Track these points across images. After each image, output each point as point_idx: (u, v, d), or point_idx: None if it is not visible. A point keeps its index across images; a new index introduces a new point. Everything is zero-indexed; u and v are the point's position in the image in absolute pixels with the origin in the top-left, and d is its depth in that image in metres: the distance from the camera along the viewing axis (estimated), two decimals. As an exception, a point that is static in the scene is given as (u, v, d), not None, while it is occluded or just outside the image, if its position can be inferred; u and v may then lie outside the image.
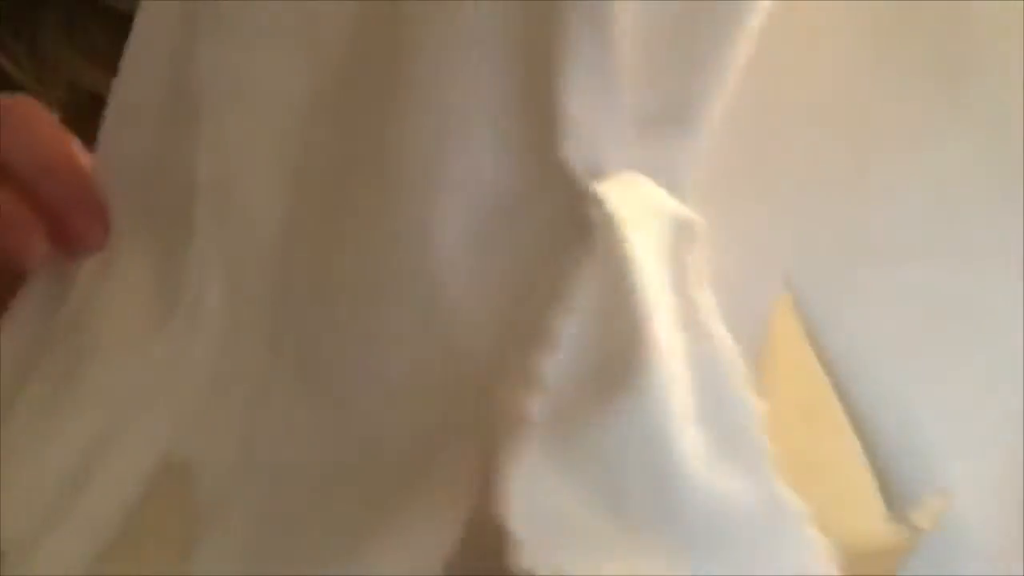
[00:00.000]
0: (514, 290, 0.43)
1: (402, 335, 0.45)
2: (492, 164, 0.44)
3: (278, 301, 0.49)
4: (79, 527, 0.48)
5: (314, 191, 0.48)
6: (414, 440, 0.44)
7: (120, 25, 0.52)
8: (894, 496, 0.48)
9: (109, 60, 0.52)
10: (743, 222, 0.47)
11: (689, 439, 0.39)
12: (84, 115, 0.54)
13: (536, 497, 0.38)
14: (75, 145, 0.53)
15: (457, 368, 0.44)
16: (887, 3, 0.50)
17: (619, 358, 0.39)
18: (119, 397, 0.50)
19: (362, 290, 0.46)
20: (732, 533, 0.39)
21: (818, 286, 0.48)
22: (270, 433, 0.47)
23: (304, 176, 0.48)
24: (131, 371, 0.50)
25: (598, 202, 0.41)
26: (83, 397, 0.50)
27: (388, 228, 0.45)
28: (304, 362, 0.48)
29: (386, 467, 0.44)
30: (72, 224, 0.52)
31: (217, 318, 0.49)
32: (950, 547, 0.49)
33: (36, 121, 0.54)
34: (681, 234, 0.42)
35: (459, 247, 0.44)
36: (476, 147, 0.44)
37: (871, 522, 0.49)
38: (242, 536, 0.46)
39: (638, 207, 0.42)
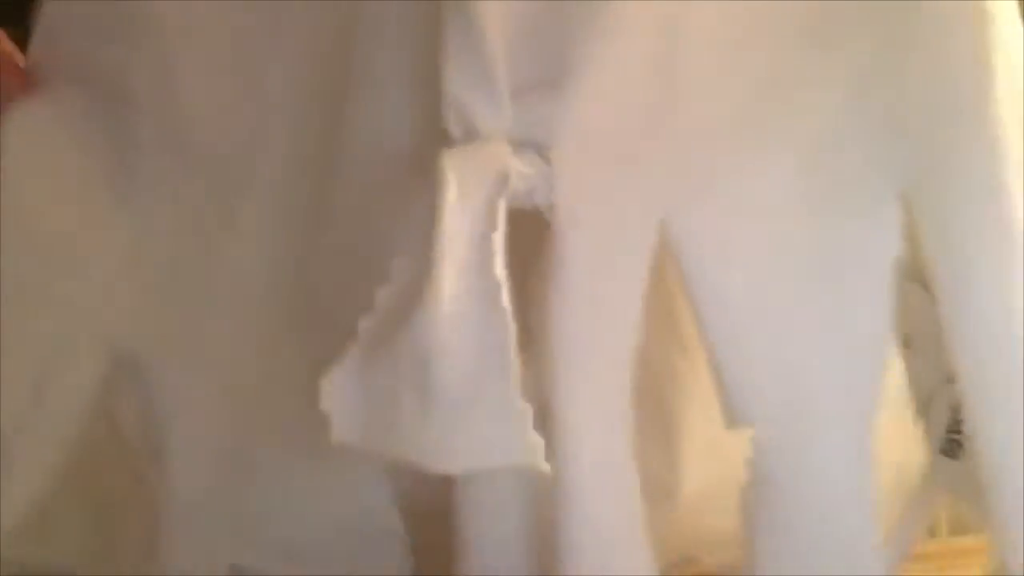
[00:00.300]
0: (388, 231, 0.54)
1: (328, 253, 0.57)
2: (398, 127, 0.55)
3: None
4: (42, 436, 0.58)
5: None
6: None
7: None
8: (732, 416, 0.55)
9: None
10: (632, 170, 0.54)
11: (450, 361, 0.48)
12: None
13: (345, 393, 0.50)
14: None
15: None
16: None
17: (417, 294, 0.49)
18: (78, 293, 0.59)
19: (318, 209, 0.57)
20: (471, 427, 0.49)
21: (691, 234, 0.54)
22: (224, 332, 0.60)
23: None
24: (90, 262, 0.59)
25: (437, 163, 0.51)
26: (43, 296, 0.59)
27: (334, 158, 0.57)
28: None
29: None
30: None
31: (170, 203, 0.60)
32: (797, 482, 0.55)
33: None
34: (499, 188, 0.50)
35: (360, 187, 0.56)
36: (389, 112, 0.55)
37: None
38: (206, 443, 0.59)
39: (470, 165, 0.51)
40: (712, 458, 0.66)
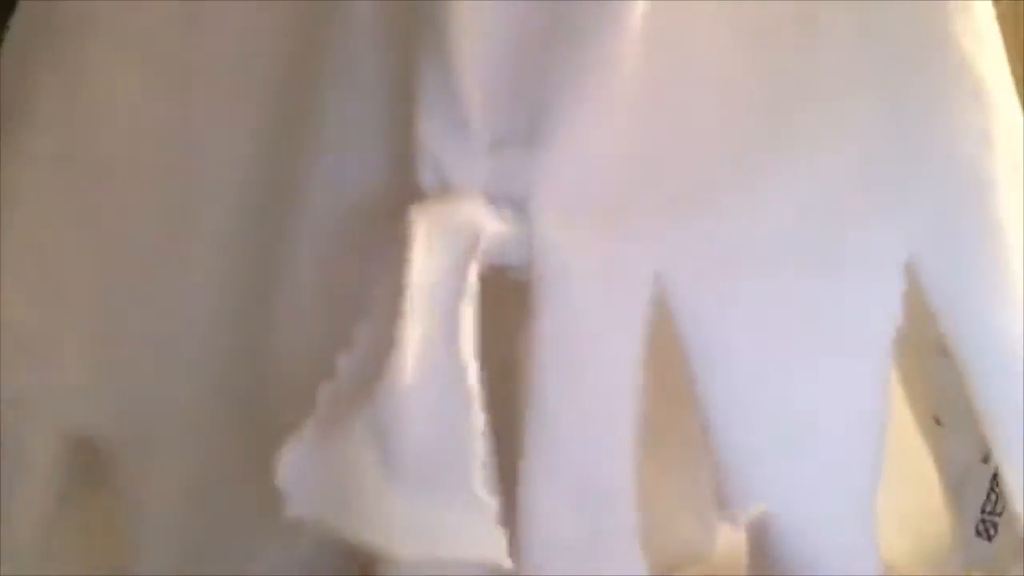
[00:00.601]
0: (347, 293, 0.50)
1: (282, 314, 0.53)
2: (363, 178, 0.51)
3: None
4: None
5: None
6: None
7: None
8: (727, 494, 0.51)
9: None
10: (627, 224, 0.50)
11: (415, 442, 0.45)
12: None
13: (304, 465, 0.46)
14: None
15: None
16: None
17: (379, 364, 0.45)
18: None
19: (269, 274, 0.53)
20: (431, 512, 0.45)
21: (688, 289, 0.50)
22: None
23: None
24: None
25: (403, 220, 0.47)
26: None
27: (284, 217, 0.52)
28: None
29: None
30: None
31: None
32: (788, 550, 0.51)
33: None
34: (467, 244, 0.47)
35: (318, 243, 0.51)
36: (354, 162, 0.51)
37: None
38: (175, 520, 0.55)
39: (440, 223, 0.47)
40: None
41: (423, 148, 0.48)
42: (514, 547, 0.45)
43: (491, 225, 0.48)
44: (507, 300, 0.48)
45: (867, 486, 0.52)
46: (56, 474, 0.54)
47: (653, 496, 0.61)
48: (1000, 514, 0.59)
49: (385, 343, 0.45)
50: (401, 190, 0.49)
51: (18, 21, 0.55)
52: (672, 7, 0.50)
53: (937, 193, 0.52)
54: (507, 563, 0.45)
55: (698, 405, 0.50)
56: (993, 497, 0.59)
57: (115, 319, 0.53)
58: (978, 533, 0.61)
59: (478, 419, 0.45)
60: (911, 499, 0.62)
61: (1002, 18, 0.56)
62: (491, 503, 0.45)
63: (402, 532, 0.45)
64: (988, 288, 0.53)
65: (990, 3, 0.55)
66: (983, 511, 0.60)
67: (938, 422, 0.61)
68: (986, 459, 0.57)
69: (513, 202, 0.49)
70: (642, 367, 0.50)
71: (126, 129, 0.53)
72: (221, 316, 0.53)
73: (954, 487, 0.61)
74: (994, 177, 0.53)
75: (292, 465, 0.46)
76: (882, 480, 0.56)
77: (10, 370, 0.53)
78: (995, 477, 0.58)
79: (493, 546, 0.44)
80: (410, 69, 0.48)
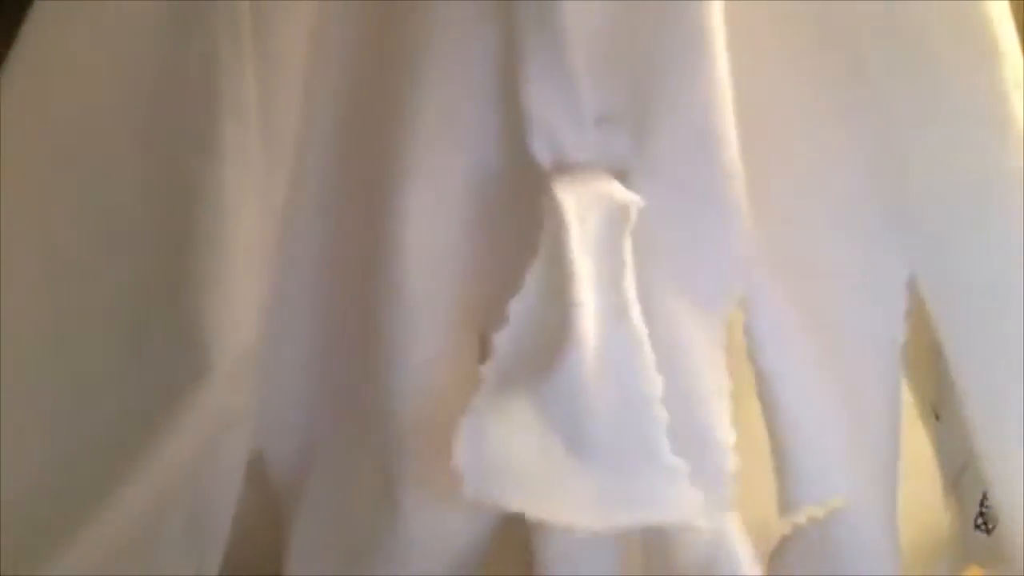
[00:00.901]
0: (480, 268, 0.50)
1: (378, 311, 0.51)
2: (470, 158, 0.50)
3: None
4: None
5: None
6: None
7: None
8: (790, 495, 0.52)
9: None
10: (708, 214, 0.51)
11: (599, 412, 0.45)
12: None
13: (480, 444, 0.46)
14: None
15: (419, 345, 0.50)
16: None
17: (553, 339, 0.45)
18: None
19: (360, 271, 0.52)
20: (624, 482, 0.45)
21: (763, 298, 0.52)
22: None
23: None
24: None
25: (551, 195, 0.47)
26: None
27: (380, 208, 0.51)
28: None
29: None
30: None
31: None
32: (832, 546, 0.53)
33: None
34: (620, 217, 0.47)
35: (425, 225, 0.50)
36: (457, 141, 0.50)
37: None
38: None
39: (586, 197, 0.47)
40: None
41: (535, 120, 0.48)
42: None
43: (634, 198, 0.48)
44: None
45: (894, 481, 0.55)
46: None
47: None
48: (999, 508, 0.61)
49: (554, 316, 0.45)
50: (512, 163, 0.49)
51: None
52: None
53: (938, 212, 0.54)
54: (704, 523, 0.45)
55: (768, 410, 0.52)
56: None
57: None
58: (977, 526, 0.62)
59: (657, 385, 0.45)
60: (914, 492, 0.62)
61: None
62: (682, 466, 0.45)
63: (591, 505, 0.45)
64: (985, 307, 0.54)
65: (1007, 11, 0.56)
66: (982, 504, 0.61)
67: (937, 417, 0.62)
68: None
69: (616, 175, 0.49)
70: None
71: None
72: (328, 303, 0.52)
73: (953, 481, 0.63)
74: (1000, 197, 0.54)
75: (467, 444, 0.45)
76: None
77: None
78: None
79: (687, 508, 0.45)
80: (516, 43, 0.48)
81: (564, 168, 0.49)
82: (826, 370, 0.53)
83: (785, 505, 0.52)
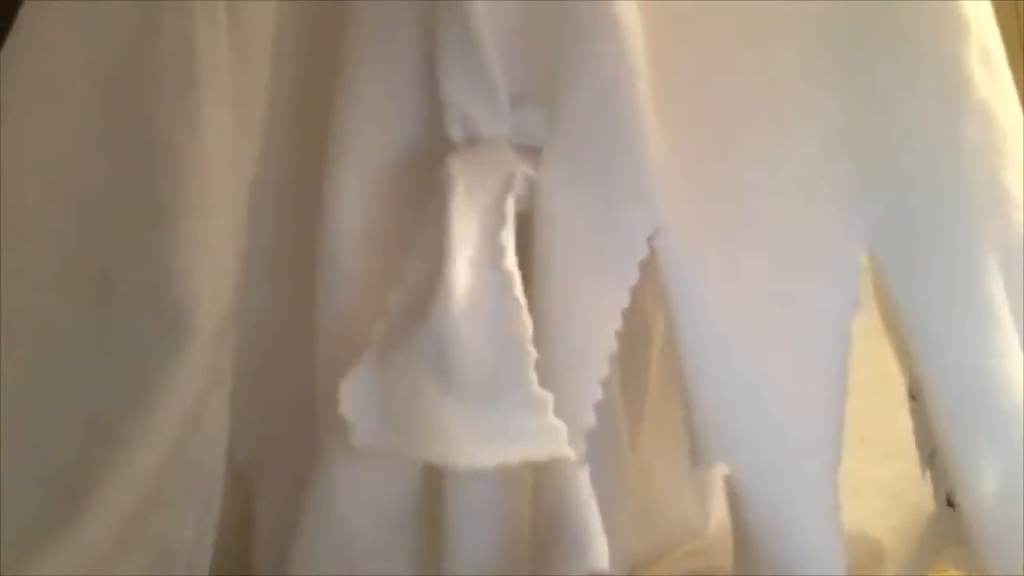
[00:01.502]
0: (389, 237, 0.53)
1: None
2: (398, 141, 0.54)
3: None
4: None
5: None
6: None
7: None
8: (700, 450, 0.54)
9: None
10: (626, 181, 0.54)
11: (470, 352, 0.48)
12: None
13: (365, 393, 0.49)
14: None
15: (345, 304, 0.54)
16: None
17: (430, 292, 0.49)
18: None
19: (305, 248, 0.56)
20: (493, 418, 0.48)
21: (675, 255, 0.54)
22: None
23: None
24: None
25: (443, 165, 0.51)
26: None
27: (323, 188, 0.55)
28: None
29: None
30: None
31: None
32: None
33: None
34: (504, 182, 0.51)
35: (355, 202, 0.54)
36: (386, 127, 0.54)
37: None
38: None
39: (476, 167, 0.51)
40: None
41: (450, 104, 0.52)
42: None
43: (521, 167, 0.52)
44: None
45: (829, 449, 0.55)
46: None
47: (653, 473, 0.66)
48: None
49: (435, 273, 0.49)
50: (435, 144, 0.53)
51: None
52: (666, 12, 0.55)
53: (895, 189, 0.55)
54: (571, 454, 0.47)
55: (678, 368, 0.54)
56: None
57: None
58: (949, 503, 0.62)
59: (526, 323, 0.48)
60: (904, 472, 0.65)
61: (1002, 18, 0.58)
62: (547, 398, 0.47)
63: (464, 443, 0.47)
64: (939, 278, 0.55)
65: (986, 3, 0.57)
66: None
67: (913, 398, 0.62)
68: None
69: (533, 152, 0.53)
70: (625, 318, 0.53)
71: None
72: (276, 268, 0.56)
73: (928, 459, 0.63)
74: (960, 176, 0.55)
75: (353, 395, 0.49)
76: (878, 453, 0.61)
77: None
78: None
79: (553, 441, 0.47)
80: (436, 37, 0.53)
81: (476, 145, 0.53)
82: (759, 339, 0.54)
83: (696, 456, 0.54)
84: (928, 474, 0.63)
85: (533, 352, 0.48)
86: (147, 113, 0.54)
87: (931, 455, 0.63)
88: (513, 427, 0.47)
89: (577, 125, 0.53)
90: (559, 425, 0.47)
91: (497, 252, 0.49)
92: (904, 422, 0.62)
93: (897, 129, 0.55)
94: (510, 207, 0.50)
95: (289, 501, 0.56)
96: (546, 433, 0.47)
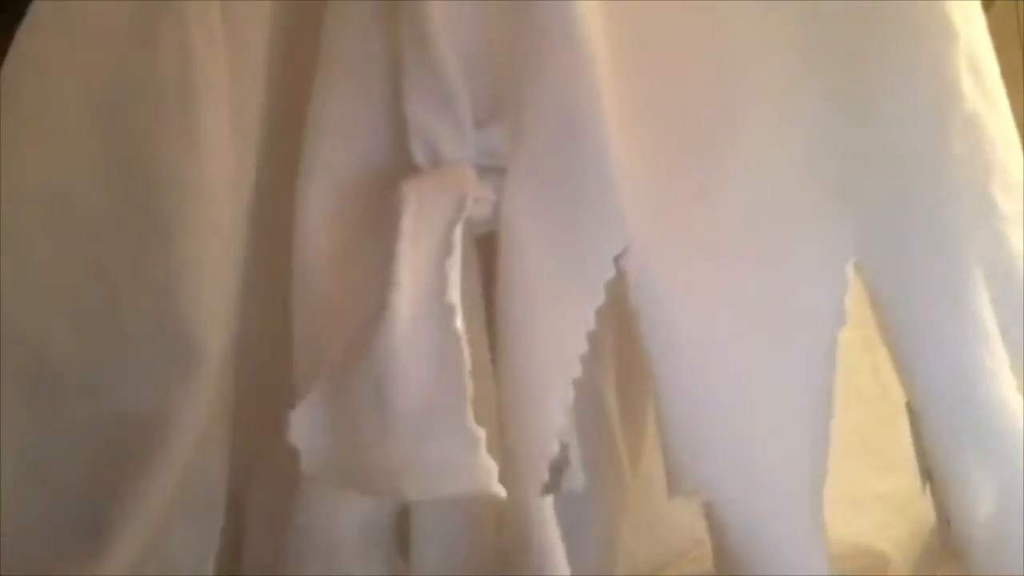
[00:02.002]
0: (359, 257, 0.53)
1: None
2: (362, 158, 0.54)
3: None
4: None
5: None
6: None
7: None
8: (675, 479, 0.52)
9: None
10: (586, 195, 0.52)
11: (407, 384, 0.47)
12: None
13: (311, 424, 0.49)
14: None
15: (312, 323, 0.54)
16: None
17: (373, 322, 0.48)
18: None
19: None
20: (426, 452, 0.47)
21: (644, 269, 0.52)
22: None
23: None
24: None
25: (397, 192, 0.51)
26: None
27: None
28: None
29: None
30: None
31: None
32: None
33: None
34: (455, 207, 0.50)
35: (324, 220, 0.54)
36: (351, 143, 0.54)
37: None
38: None
39: (429, 191, 0.51)
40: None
41: (413, 125, 0.52)
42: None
43: (478, 191, 0.51)
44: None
45: (812, 473, 0.54)
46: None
47: (655, 485, 0.63)
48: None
49: (380, 302, 0.48)
50: (402, 164, 0.52)
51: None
52: (637, 13, 0.54)
53: (880, 198, 0.54)
54: (500, 492, 0.47)
55: (652, 388, 0.53)
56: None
57: None
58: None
59: (464, 358, 0.47)
60: (906, 484, 0.63)
61: (1002, 18, 0.58)
62: (480, 435, 0.47)
63: (403, 476, 0.47)
64: (926, 287, 0.54)
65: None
66: None
67: (911, 410, 0.60)
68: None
69: (499, 171, 0.52)
70: (599, 341, 0.53)
71: None
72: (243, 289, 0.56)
73: (927, 474, 0.60)
74: (946, 187, 0.54)
75: (302, 424, 0.49)
76: (880, 464, 0.59)
77: None
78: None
79: (485, 479, 0.46)
80: (400, 57, 0.52)
81: (438, 166, 0.52)
82: (738, 357, 0.53)
83: (671, 485, 0.53)
84: (928, 488, 0.61)
85: (469, 387, 0.47)
86: (146, 134, 0.54)
87: (930, 471, 0.62)
88: (446, 463, 0.47)
89: (538, 143, 0.52)
90: (490, 464, 0.47)
91: (441, 283, 0.48)
92: (903, 435, 0.60)
93: (882, 137, 0.54)
94: (457, 235, 0.49)
95: (275, 522, 0.56)
96: (478, 471, 0.46)
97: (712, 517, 0.53)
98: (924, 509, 0.62)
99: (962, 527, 0.55)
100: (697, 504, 0.54)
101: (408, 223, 0.49)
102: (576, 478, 0.55)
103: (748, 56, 0.54)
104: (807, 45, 0.54)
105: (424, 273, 0.48)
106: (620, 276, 0.52)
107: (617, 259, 0.52)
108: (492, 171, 0.52)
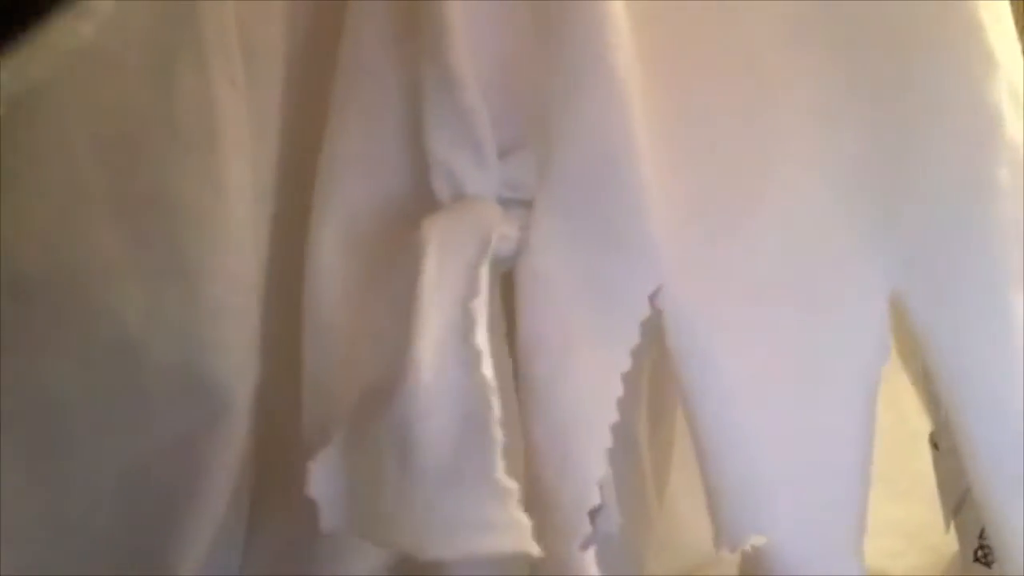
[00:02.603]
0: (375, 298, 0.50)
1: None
2: (380, 192, 0.52)
3: None
4: None
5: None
6: None
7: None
8: (726, 527, 0.50)
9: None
10: (626, 234, 0.50)
11: (433, 434, 0.45)
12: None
13: (331, 476, 0.47)
14: None
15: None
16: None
17: (395, 368, 0.46)
18: None
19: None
20: (454, 508, 0.45)
21: (682, 309, 0.50)
22: None
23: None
24: None
25: (418, 231, 0.48)
26: None
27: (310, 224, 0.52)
28: None
29: None
30: None
31: None
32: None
33: None
34: (480, 246, 0.48)
35: (338, 260, 0.51)
36: (368, 176, 0.52)
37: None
38: None
39: (452, 229, 0.48)
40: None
41: (435, 159, 0.49)
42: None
43: (502, 228, 0.49)
44: None
45: (858, 513, 0.52)
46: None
47: (677, 499, 0.64)
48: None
49: (402, 348, 0.46)
50: (421, 198, 0.50)
51: None
52: (672, 45, 0.52)
53: (925, 226, 0.52)
54: (535, 550, 0.44)
55: (693, 434, 0.50)
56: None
57: None
58: (976, 559, 0.60)
59: (494, 407, 0.45)
60: (920, 512, 0.63)
61: None
62: (512, 488, 0.44)
63: (429, 533, 0.45)
64: (972, 323, 0.52)
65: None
66: (981, 537, 0.60)
67: (936, 446, 0.61)
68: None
69: (524, 204, 0.50)
70: (635, 380, 0.51)
71: None
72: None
73: (953, 511, 0.61)
74: (989, 217, 0.52)
75: (322, 477, 0.46)
76: (894, 492, 0.58)
77: None
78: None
79: (518, 535, 0.44)
80: (419, 86, 0.50)
81: (459, 199, 0.50)
82: (783, 398, 0.51)
83: (720, 539, 0.51)
84: (953, 525, 0.61)
85: (500, 437, 0.44)
86: (166, 176, 0.50)
87: (957, 506, 0.61)
88: (477, 519, 0.44)
89: (568, 175, 0.50)
90: (523, 520, 0.44)
91: (467, 326, 0.45)
92: (918, 464, 0.61)
93: (923, 169, 0.52)
94: (484, 275, 0.47)
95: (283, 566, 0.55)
96: (510, 527, 0.44)
97: (755, 559, 0.51)
98: (939, 540, 0.63)
99: (1005, 558, 0.53)
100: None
101: (430, 263, 0.46)
102: (611, 520, 0.54)
103: (783, 88, 0.52)
104: (844, 76, 0.52)
105: (448, 317, 0.46)
106: (655, 315, 0.50)
107: (652, 297, 0.50)
108: (516, 204, 0.50)
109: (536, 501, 0.48)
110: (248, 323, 0.51)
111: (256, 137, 0.52)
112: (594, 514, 0.49)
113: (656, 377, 0.60)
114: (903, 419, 0.63)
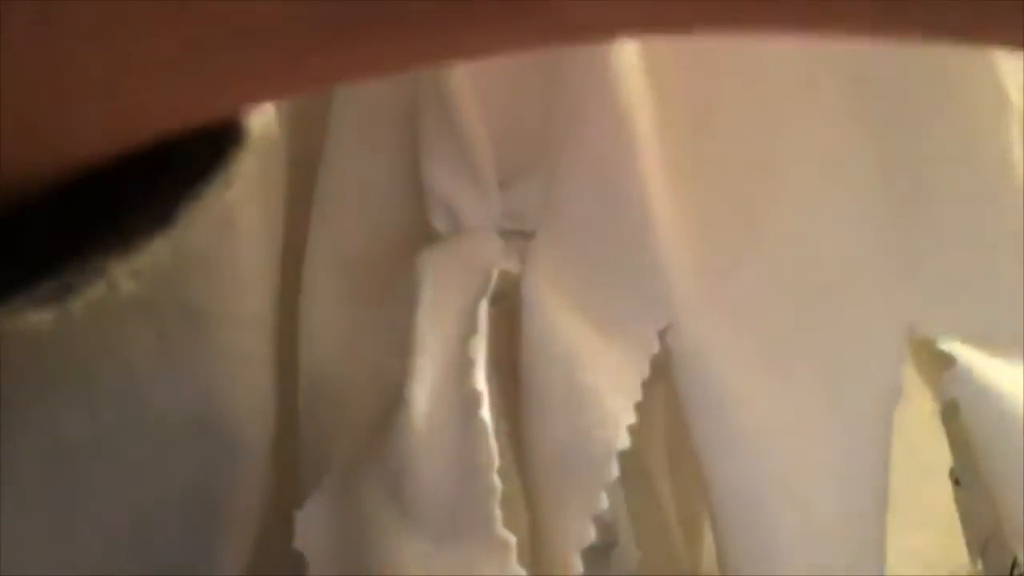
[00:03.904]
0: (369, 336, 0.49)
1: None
2: (372, 228, 0.50)
3: None
4: None
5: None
6: None
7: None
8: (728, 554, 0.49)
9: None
10: (633, 263, 0.49)
11: (428, 478, 0.43)
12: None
13: (319, 523, 0.45)
14: None
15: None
16: None
17: (389, 412, 0.44)
18: None
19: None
20: (450, 558, 0.43)
21: (689, 356, 0.48)
22: None
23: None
24: None
25: (415, 266, 0.47)
26: None
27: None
28: None
29: None
30: None
31: None
32: None
33: None
34: (479, 282, 0.46)
35: (331, 298, 0.50)
36: (362, 209, 0.50)
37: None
38: None
39: (450, 263, 0.47)
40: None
41: (433, 192, 0.48)
42: None
43: (502, 262, 0.47)
44: None
45: (876, 555, 0.50)
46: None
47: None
48: (1027, 579, 0.57)
49: (396, 390, 0.44)
50: (415, 236, 0.49)
51: None
52: (684, 76, 0.50)
53: (940, 265, 0.51)
54: None
55: (701, 474, 0.49)
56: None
57: None
58: None
59: (491, 453, 0.43)
60: (935, 541, 0.61)
61: None
62: (510, 542, 0.42)
63: None
64: (994, 356, 0.51)
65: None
66: (1012, 569, 0.56)
67: (957, 482, 0.58)
68: (1012, 520, 0.55)
69: (526, 236, 0.48)
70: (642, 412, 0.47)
71: None
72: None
73: (978, 550, 0.58)
74: (1002, 254, 0.51)
75: (308, 525, 0.45)
76: (908, 523, 0.54)
77: None
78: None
79: None
80: (418, 118, 0.48)
81: (458, 233, 0.48)
82: (796, 442, 0.49)
83: None
84: (980, 565, 0.58)
85: (498, 485, 0.43)
86: None
87: (984, 545, 0.59)
88: (473, 569, 0.43)
89: (572, 206, 0.48)
90: (520, 573, 0.42)
91: (465, 367, 0.44)
92: (930, 494, 0.58)
93: (937, 208, 0.51)
94: (483, 313, 0.45)
95: None
96: None
97: None
98: (954, 567, 0.59)
99: None
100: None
101: (427, 299, 0.45)
102: (629, 558, 0.52)
103: (797, 126, 0.50)
104: (857, 114, 0.51)
105: (445, 356, 0.44)
106: (664, 355, 0.48)
107: (662, 336, 0.48)
108: (517, 236, 0.48)
109: (536, 539, 0.46)
110: (259, 366, 0.50)
111: (263, 173, 0.50)
112: (603, 546, 0.47)
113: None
114: (914, 453, 0.58)
